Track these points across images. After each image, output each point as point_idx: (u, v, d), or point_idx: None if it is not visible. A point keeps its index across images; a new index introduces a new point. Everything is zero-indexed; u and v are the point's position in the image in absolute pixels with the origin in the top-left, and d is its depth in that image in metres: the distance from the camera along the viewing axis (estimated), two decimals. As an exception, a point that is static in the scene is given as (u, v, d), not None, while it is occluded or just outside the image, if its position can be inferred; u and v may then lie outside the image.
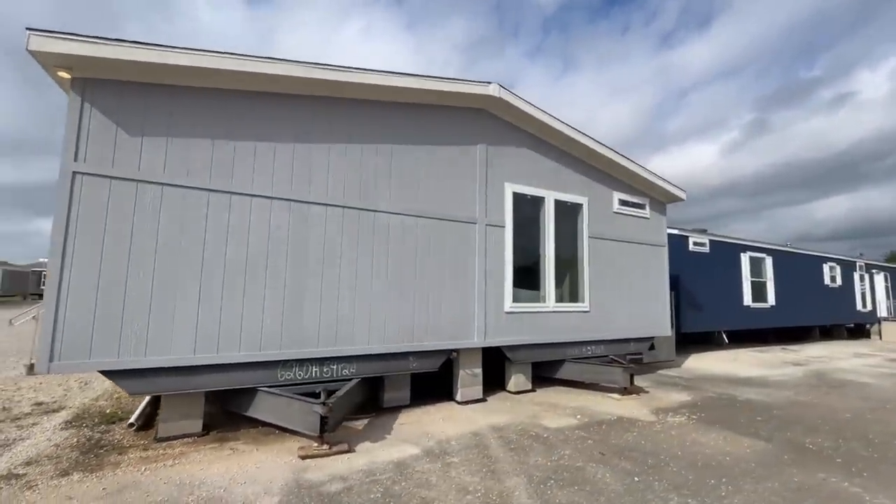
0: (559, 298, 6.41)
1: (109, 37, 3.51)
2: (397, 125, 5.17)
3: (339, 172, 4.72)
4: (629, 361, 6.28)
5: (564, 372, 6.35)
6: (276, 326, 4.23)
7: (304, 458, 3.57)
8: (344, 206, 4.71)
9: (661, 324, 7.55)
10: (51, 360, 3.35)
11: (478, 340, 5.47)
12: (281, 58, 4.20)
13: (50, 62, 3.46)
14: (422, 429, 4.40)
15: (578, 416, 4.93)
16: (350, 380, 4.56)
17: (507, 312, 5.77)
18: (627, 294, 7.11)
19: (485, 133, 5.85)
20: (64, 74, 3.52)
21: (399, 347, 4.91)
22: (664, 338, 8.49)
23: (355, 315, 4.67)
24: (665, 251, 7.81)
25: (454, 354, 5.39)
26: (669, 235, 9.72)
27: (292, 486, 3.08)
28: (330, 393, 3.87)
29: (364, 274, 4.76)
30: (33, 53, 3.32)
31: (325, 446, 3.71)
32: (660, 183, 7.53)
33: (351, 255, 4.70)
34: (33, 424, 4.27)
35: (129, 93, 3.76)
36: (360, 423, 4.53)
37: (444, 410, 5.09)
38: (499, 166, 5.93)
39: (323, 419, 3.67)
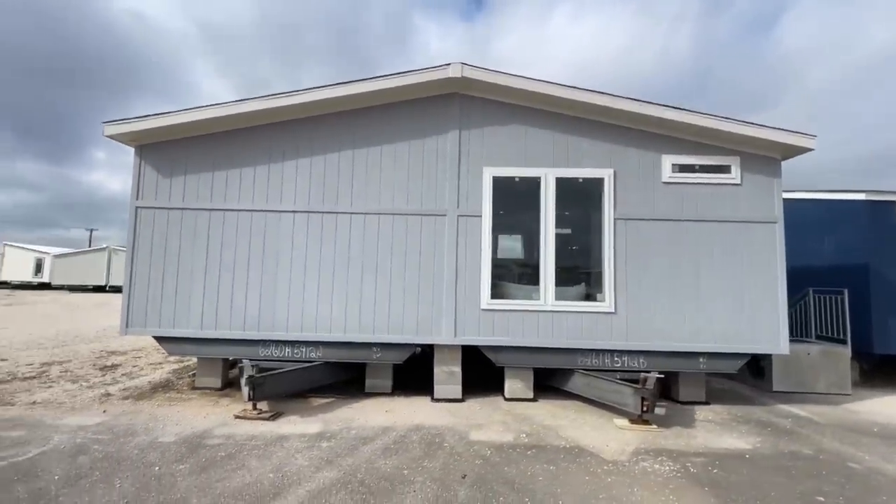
0: (565, 296, 5.35)
1: (145, 114, 5.27)
2: (357, 130, 5.51)
3: (303, 182, 5.44)
4: (706, 384, 4.67)
5: (574, 384, 5.28)
6: (255, 312, 5.31)
7: (236, 416, 4.48)
8: (310, 212, 5.41)
9: (763, 335, 5.21)
10: (126, 327, 5.33)
11: (446, 338, 5.25)
12: (247, 98, 5.25)
13: (125, 140, 5.45)
14: (353, 415, 4.68)
15: (525, 435, 4.18)
16: (312, 362, 5.26)
17: (485, 310, 5.27)
18: (690, 292, 5.25)
19: (461, 117, 5.49)
20: (129, 143, 5.48)
21: (360, 338, 5.27)
22: (819, 361, 5.84)
23: (317, 305, 5.31)
24: (776, 229, 5.31)
25: (418, 350, 5.36)
26: (847, 203, 6.59)
27: (200, 432, 4.00)
28: (263, 370, 4.66)
29: (326, 270, 5.34)
30: (109, 136, 5.33)
31: (256, 411, 4.52)
32: (757, 133, 5.19)
33: (314, 251, 5.36)
34: (146, 374, 6.67)
35: (164, 148, 5.49)
36: (322, 401, 5.16)
37: (408, 405, 5.13)
38: (477, 150, 5.46)
39: (254, 388, 4.49)
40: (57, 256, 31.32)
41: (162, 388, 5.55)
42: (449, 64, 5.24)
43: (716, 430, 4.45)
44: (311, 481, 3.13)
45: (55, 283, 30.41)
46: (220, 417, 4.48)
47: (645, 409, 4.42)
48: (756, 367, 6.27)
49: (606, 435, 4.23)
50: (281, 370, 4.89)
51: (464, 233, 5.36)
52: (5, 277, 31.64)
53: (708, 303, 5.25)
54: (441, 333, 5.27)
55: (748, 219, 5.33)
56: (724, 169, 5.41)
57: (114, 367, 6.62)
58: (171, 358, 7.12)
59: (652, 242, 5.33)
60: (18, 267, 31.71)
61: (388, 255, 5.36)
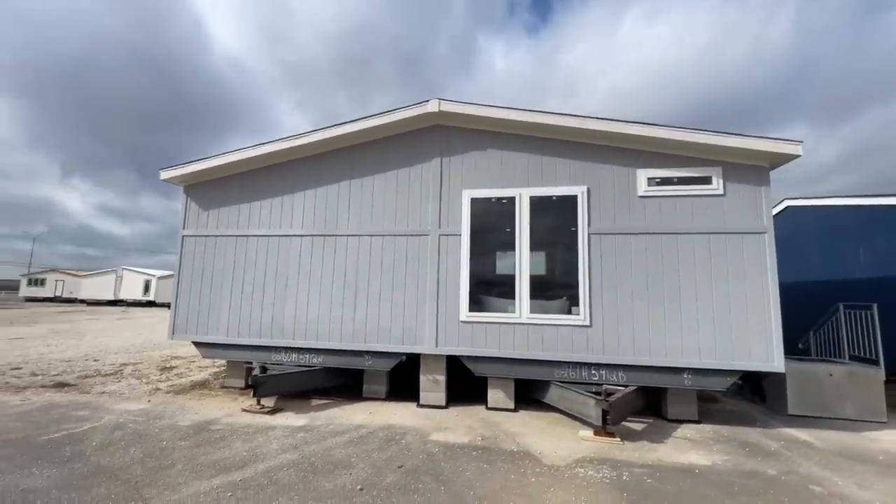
0: (541, 309, 5.53)
1: (188, 161, 6.54)
2: (355, 162, 6.29)
3: (309, 209, 6.31)
4: (696, 399, 4.65)
5: (550, 396, 5.40)
6: (269, 322, 6.20)
7: (243, 410, 5.30)
8: (313, 235, 6.25)
9: (754, 351, 4.95)
10: (173, 334, 6.49)
11: (428, 347, 5.69)
12: (263, 142, 6.30)
13: (176, 182, 6.78)
14: (340, 414, 5.27)
15: (482, 438, 4.46)
16: (313, 367, 5.98)
17: (463, 322, 5.65)
18: (671, 306, 5.18)
19: (442, 145, 6.06)
20: (178, 185, 6.79)
21: (354, 346, 5.90)
22: (844, 383, 5.44)
23: (318, 316, 6.05)
24: (764, 240, 5.09)
25: (403, 358, 5.84)
26: (886, 209, 6.17)
27: (210, 420, 4.84)
28: (266, 371, 5.46)
29: (326, 285, 6.10)
30: (164, 180, 6.67)
31: (259, 406, 5.30)
32: (738, 144, 5.10)
33: (316, 270, 6.16)
34: (192, 374, 7.85)
35: (203, 188, 6.72)
36: (320, 402, 5.83)
37: (394, 409, 5.61)
38: (457, 175, 5.96)
39: (257, 386, 5.29)
40: (160, 278, 36.74)
41: (199, 386, 6.62)
42: (428, 100, 5.87)
43: (684, 447, 4.34)
44: (272, 460, 3.74)
45: (158, 301, 35.60)
46: (232, 410, 5.32)
47: (607, 420, 4.47)
48: (758, 388, 5.84)
49: (562, 444, 4.35)
50: (281, 372, 5.67)
51: (445, 251, 5.84)
52: (122, 296, 37.64)
53: (690, 317, 5.13)
54: (424, 343, 5.72)
55: (733, 230, 5.17)
56: (704, 180, 5.33)
57: (171, 368, 7.93)
58: (219, 362, 8.32)
59: (629, 256, 5.37)
60: (132, 287, 37.61)
61: (378, 272, 5.99)
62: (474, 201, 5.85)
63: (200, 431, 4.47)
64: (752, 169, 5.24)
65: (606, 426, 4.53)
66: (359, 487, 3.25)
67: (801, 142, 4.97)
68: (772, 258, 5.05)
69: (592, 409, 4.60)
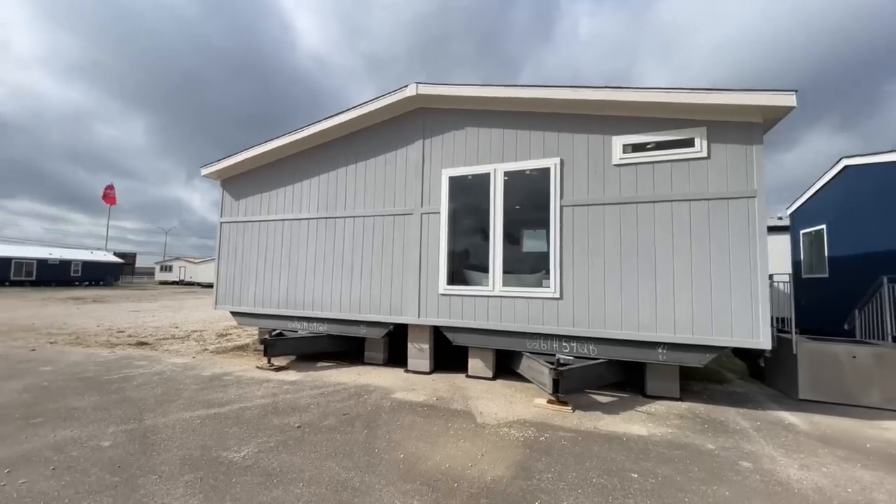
0: (515, 282, 5.63)
1: (220, 158, 7.67)
2: (351, 149, 6.86)
3: (315, 195, 7.06)
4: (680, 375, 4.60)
5: (521, 366, 5.53)
6: (284, 295, 7.13)
7: (257, 367, 6.28)
8: (318, 218, 7.00)
9: (737, 327, 4.57)
10: (216, 304, 7.78)
11: (412, 318, 6.14)
12: (272, 139, 7.14)
13: (214, 177, 7.99)
14: (332, 374, 5.99)
15: (437, 399, 4.83)
16: (319, 334, 6.79)
17: (442, 294, 5.97)
18: (647, 278, 4.97)
19: (424, 128, 6.35)
20: (216, 179, 7.99)
21: (351, 316, 6.57)
22: (871, 367, 4.90)
23: (322, 290, 6.82)
24: (753, 205, 4.60)
25: (391, 328, 6.35)
26: None
27: (226, 373, 5.87)
28: (280, 335, 6.38)
29: (328, 262, 6.83)
30: (204, 176, 7.91)
31: (270, 364, 6.25)
32: (724, 100, 4.66)
33: (321, 248, 6.91)
34: (239, 340, 9.18)
35: (234, 180, 7.84)
36: (324, 364, 6.63)
37: (383, 372, 6.20)
38: (437, 155, 6.22)
39: (266, 348, 6.23)
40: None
41: (238, 348, 7.86)
42: (406, 85, 6.18)
43: (636, 419, 4.25)
44: (249, 402, 4.53)
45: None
46: (249, 367, 6.33)
47: (558, 389, 4.54)
48: (756, 367, 5.28)
49: (511, 409, 4.53)
50: (288, 337, 6.55)
51: (426, 228, 6.18)
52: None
53: (666, 289, 4.87)
54: (409, 314, 6.18)
55: (718, 195, 4.75)
56: (685, 143, 4.93)
57: (227, 335, 9.44)
58: (264, 331, 9.67)
59: (602, 228, 5.22)
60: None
61: (370, 249, 6.55)
62: (452, 179, 6.07)
63: (213, 380, 5.47)
64: (742, 127, 4.72)
65: (558, 395, 4.59)
66: (297, 425, 3.86)
67: (795, 91, 4.36)
68: (761, 225, 4.56)
69: (546, 378, 4.68)
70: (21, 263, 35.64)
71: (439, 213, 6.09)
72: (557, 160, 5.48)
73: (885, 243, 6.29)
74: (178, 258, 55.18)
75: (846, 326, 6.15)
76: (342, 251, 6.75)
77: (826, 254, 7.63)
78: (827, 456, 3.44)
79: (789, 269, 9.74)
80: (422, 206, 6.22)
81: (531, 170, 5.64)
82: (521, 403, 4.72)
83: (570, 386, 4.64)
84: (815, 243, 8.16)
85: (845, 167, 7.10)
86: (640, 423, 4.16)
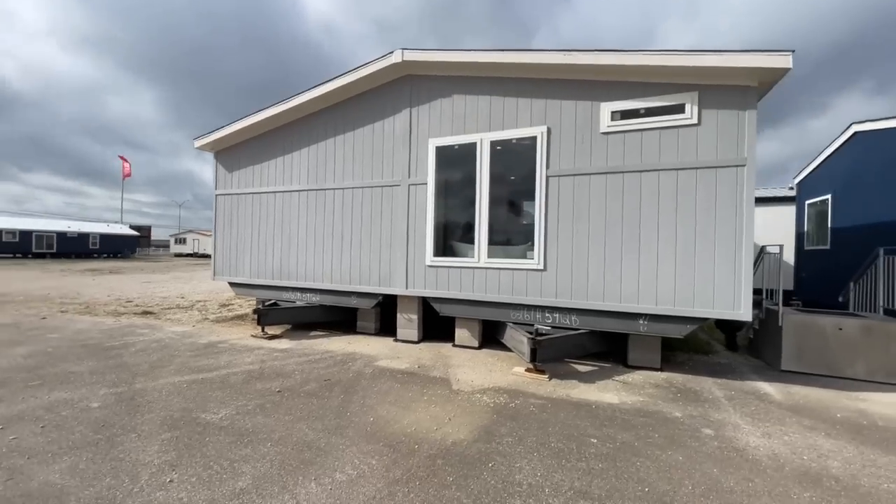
0: (500, 254, 5.62)
1: (211, 130, 7.65)
2: (339, 119, 6.76)
3: (304, 166, 7.04)
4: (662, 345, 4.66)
5: (505, 336, 5.60)
6: (278, 266, 7.26)
7: (251, 336, 6.49)
8: (308, 190, 7.01)
9: (718, 298, 4.53)
10: (214, 275, 7.98)
11: (400, 289, 6.21)
12: (259, 110, 7.06)
13: (207, 149, 8.00)
14: (322, 343, 6.17)
15: (418, 367, 4.95)
16: (312, 305, 6.95)
17: (429, 266, 6.01)
18: (630, 249, 4.91)
19: (411, 96, 6.20)
20: (210, 151, 8.00)
21: (342, 287, 6.69)
22: (857, 339, 4.85)
23: (314, 261, 6.92)
24: (743, 174, 4.45)
25: (381, 298, 6.45)
26: None
27: (221, 341, 6.09)
28: (275, 304, 6.54)
29: (319, 234, 6.89)
30: (198, 148, 7.92)
31: (263, 333, 6.46)
32: (718, 62, 4.42)
33: (312, 220, 6.95)
34: (240, 310, 9.44)
35: (227, 152, 7.84)
36: (317, 333, 6.82)
37: (372, 341, 6.36)
38: (424, 124, 6.10)
39: (260, 317, 6.42)
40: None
41: (238, 318, 8.11)
42: (392, 52, 5.99)
43: (611, 388, 4.32)
44: (236, 368, 4.72)
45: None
46: (244, 335, 6.55)
47: (535, 357, 4.61)
48: (732, 340, 5.25)
49: (489, 377, 4.64)
50: (281, 307, 6.73)
51: (413, 199, 6.15)
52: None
53: (650, 260, 4.82)
54: (397, 285, 6.25)
55: (707, 164, 4.59)
56: (675, 109, 4.73)
57: (228, 305, 9.72)
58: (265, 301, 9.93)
59: (588, 198, 5.12)
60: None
61: (359, 221, 6.57)
62: (439, 150, 5.97)
63: (208, 347, 5.69)
64: (735, 91, 4.50)
65: (536, 363, 4.67)
66: (277, 390, 4.02)
67: (792, 51, 4.10)
68: (749, 195, 4.42)
69: (525, 347, 4.75)
70: (42, 236, 36.83)
71: (426, 184, 6.03)
72: (544, 128, 5.33)
73: (889, 213, 6.05)
74: (191, 231, 56.24)
75: (840, 299, 6.04)
76: (332, 223, 6.78)
77: (829, 225, 7.38)
78: (793, 425, 3.46)
79: (794, 241, 9.49)
80: (409, 177, 6.17)
81: (518, 139, 5.51)
82: (501, 372, 4.82)
83: (548, 355, 4.71)
84: (820, 214, 7.90)
85: (855, 133, 6.73)
86: (613, 391, 4.22)
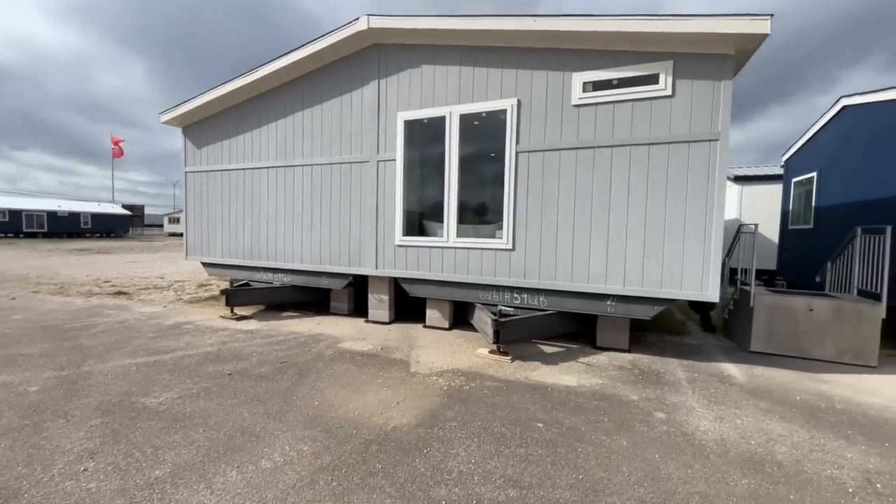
0: (470, 234, 5.46)
1: (177, 104, 7.33)
2: (306, 92, 6.46)
3: (272, 141, 6.77)
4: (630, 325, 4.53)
5: (474, 317, 5.50)
6: (249, 246, 7.09)
7: (220, 316, 6.38)
8: (277, 167, 6.77)
9: (687, 279, 4.40)
10: (187, 255, 7.81)
11: (370, 270, 6.07)
12: (228, 80, 6.74)
13: (175, 123, 7.70)
14: (290, 324, 6.07)
15: (381, 349, 4.86)
16: (284, 285, 6.82)
17: (398, 245, 5.85)
18: (599, 228, 4.75)
19: (380, 66, 5.89)
20: (178, 126, 7.70)
21: (313, 267, 6.54)
22: (827, 320, 4.73)
23: (284, 241, 6.75)
24: (716, 149, 4.24)
25: (351, 279, 6.31)
26: None
27: (188, 321, 5.98)
28: (246, 285, 6.41)
29: (289, 212, 6.69)
30: (164, 123, 7.61)
31: (232, 314, 6.35)
32: (696, 28, 4.14)
33: (281, 198, 6.74)
34: (214, 291, 9.33)
35: (195, 127, 7.54)
36: (288, 314, 6.72)
37: (342, 322, 6.27)
38: (393, 97, 5.82)
39: (228, 298, 6.30)
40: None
41: (210, 299, 8.00)
42: (358, 18, 5.65)
43: (572, 370, 4.24)
44: (194, 350, 4.62)
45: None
46: (213, 316, 6.44)
47: (498, 339, 4.51)
48: (708, 321, 5.16)
49: (451, 359, 4.55)
50: (251, 288, 6.60)
51: (382, 176, 5.93)
52: None
53: (618, 240, 4.66)
54: (367, 266, 6.11)
55: (680, 138, 4.38)
56: (649, 80, 4.48)
57: (206, 285, 9.60)
58: (240, 281, 9.81)
59: (558, 175, 4.92)
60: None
61: (328, 200, 6.36)
62: (408, 124, 5.71)
63: (171, 329, 5.58)
64: (712, 59, 4.24)
65: (499, 345, 4.58)
66: (228, 373, 3.92)
67: (771, 15, 3.83)
68: (721, 171, 4.23)
69: (489, 328, 4.65)
70: (32, 215, 36.41)
71: (395, 160, 5.80)
72: (514, 101, 5.07)
73: (873, 191, 5.86)
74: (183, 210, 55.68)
75: (818, 279, 5.92)
76: (301, 201, 6.58)
77: (813, 203, 7.20)
78: (749, 408, 3.39)
79: (778, 220, 9.33)
80: (378, 153, 5.93)
81: (488, 112, 5.25)
82: (464, 353, 4.74)
83: (512, 336, 4.61)
84: (806, 193, 7.70)
85: (844, 107, 6.46)
86: (574, 374, 4.14)
